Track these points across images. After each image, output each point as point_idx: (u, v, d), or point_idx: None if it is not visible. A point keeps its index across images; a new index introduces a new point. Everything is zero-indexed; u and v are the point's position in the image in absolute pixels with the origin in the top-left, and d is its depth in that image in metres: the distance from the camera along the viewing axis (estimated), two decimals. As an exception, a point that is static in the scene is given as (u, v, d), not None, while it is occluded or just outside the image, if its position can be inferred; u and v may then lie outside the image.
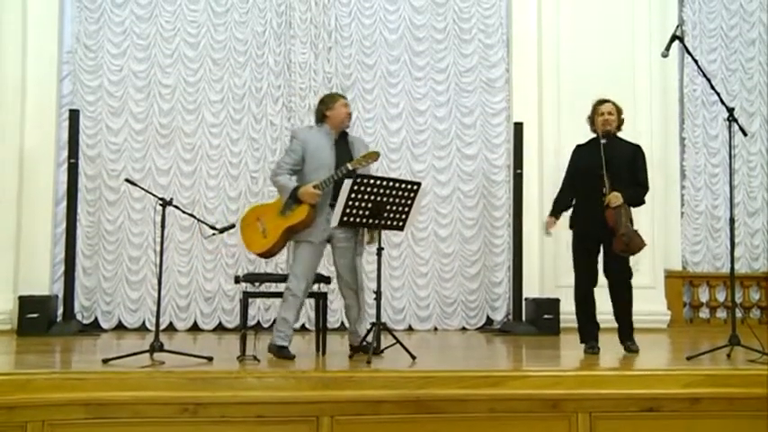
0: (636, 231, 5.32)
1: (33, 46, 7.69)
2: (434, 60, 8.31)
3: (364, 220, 5.09)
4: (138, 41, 7.92)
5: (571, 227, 5.67)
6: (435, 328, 8.04)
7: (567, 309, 7.59)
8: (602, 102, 5.65)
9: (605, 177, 5.30)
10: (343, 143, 5.28)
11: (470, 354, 6.15)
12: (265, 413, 4.09)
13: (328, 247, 5.36)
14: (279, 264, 7.66)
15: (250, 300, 5.35)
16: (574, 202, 5.67)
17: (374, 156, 5.10)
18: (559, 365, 5.33)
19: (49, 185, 7.64)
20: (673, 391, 4.36)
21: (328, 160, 5.14)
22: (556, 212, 5.70)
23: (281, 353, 5.03)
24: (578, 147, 5.77)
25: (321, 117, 5.31)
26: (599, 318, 5.67)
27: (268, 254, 5.33)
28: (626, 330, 5.57)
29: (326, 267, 7.73)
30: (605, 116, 5.55)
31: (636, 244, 5.31)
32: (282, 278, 5.48)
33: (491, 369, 4.59)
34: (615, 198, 5.27)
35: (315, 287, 5.46)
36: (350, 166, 4.99)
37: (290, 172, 5.18)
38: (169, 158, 7.87)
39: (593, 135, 5.68)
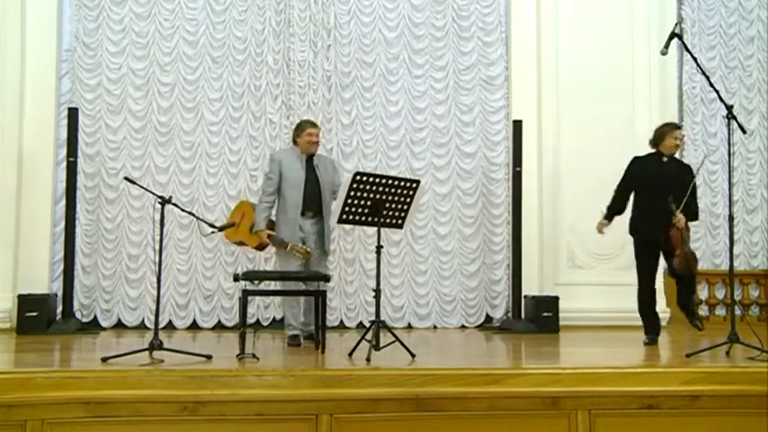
0: (693, 253, 6.10)
1: (32, 44, 7.69)
2: (433, 58, 8.30)
3: (363, 218, 5.13)
4: (136, 40, 7.91)
5: (632, 233, 6.22)
6: (435, 326, 8.04)
7: (566, 306, 7.67)
8: (677, 126, 6.27)
9: (673, 200, 5.86)
10: (311, 164, 6.03)
11: (470, 352, 6.15)
12: (265, 411, 4.09)
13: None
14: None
15: (249, 298, 5.34)
16: (631, 209, 6.25)
17: (305, 255, 5.75)
18: (559, 363, 5.33)
19: (48, 184, 7.64)
20: (672, 388, 4.36)
21: (298, 179, 5.93)
22: (610, 216, 6.33)
23: (289, 341, 5.98)
24: (637, 159, 6.27)
25: (293, 140, 6.16)
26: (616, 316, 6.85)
27: (234, 241, 6.44)
28: (692, 311, 6.27)
29: (326, 266, 7.75)
30: (678, 141, 6.16)
31: (695, 264, 6.06)
32: (281, 276, 5.62)
33: (490, 367, 4.59)
34: (681, 221, 5.88)
35: (314, 285, 5.62)
36: (287, 248, 5.74)
37: (270, 202, 6.00)
38: (168, 156, 7.86)
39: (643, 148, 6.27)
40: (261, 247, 6.14)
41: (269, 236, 5.91)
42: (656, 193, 6.00)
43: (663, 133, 6.16)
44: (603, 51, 8.28)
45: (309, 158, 6.05)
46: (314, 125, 6.17)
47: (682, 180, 6.01)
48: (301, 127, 6.12)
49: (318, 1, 8.09)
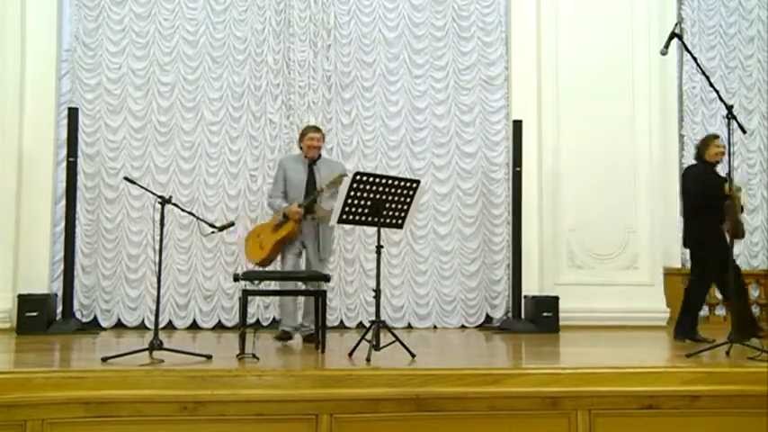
0: (741, 222, 6.12)
1: (32, 44, 7.69)
2: (433, 58, 8.30)
3: (363, 218, 5.13)
4: (136, 39, 7.91)
5: (700, 252, 6.15)
6: (435, 327, 8.04)
7: (566, 306, 7.67)
8: (717, 136, 6.39)
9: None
10: (312, 168, 6.21)
11: (470, 352, 6.15)
12: (265, 411, 4.09)
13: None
14: (277, 262, 7.65)
15: (249, 298, 5.35)
16: (691, 224, 6.23)
17: (339, 179, 5.80)
18: (559, 363, 5.33)
19: (48, 184, 7.64)
20: (672, 388, 4.36)
21: (299, 182, 6.15)
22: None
23: (278, 335, 6.23)
24: (690, 169, 6.32)
25: (299, 146, 6.37)
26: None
27: (264, 262, 6.19)
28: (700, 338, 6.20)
29: (326, 266, 7.74)
30: (721, 149, 6.22)
31: (743, 231, 6.16)
32: (281, 276, 5.67)
33: (490, 367, 4.58)
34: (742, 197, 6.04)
35: (314, 285, 5.71)
36: (323, 186, 5.99)
37: (280, 197, 6.21)
38: (168, 156, 7.86)
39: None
40: (294, 233, 6.06)
41: (299, 205, 6.03)
42: (717, 199, 5.92)
43: (706, 143, 6.25)
44: (603, 51, 8.28)
45: (313, 162, 6.21)
46: (316, 130, 6.33)
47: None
48: (303, 132, 6.34)
49: (318, 1, 8.09)
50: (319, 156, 6.29)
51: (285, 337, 6.19)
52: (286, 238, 6.07)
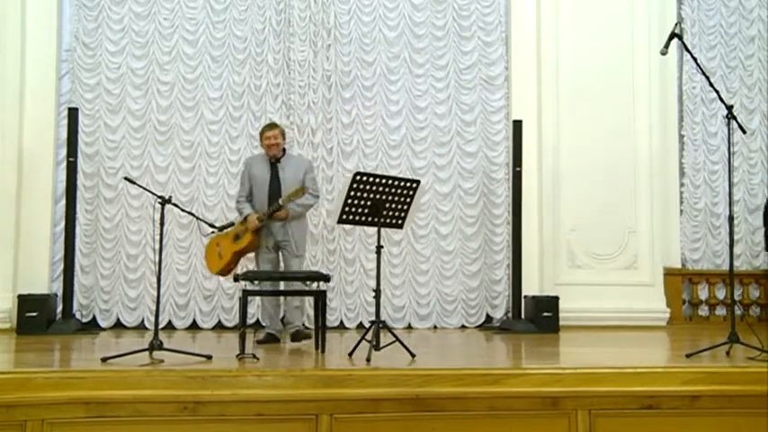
0: None
1: (32, 44, 7.68)
2: (434, 58, 8.29)
3: (363, 218, 5.14)
4: (136, 39, 7.91)
5: None
6: (435, 327, 8.03)
7: (566, 306, 7.68)
8: None
9: None
10: (276, 167, 6.23)
11: (470, 352, 6.15)
12: (265, 411, 4.09)
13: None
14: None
15: (249, 298, 5.35)
16: None
17: (300, 192, 5.94)
18: (559, 363, 5.32)
19: (48, 184, 7.63)
20: (672, 388, 4.36)
21: (263, 181, 6.20)
22: None
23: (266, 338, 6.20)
24: None
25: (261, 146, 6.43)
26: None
27: (223, 272, 6.27)
28: None
29: (326, 266, 7.76)
30: None
31: None
32: (281, 277, 5.67)
33: (490, 367, 4.58)
34: None
35: (314, 285, 5.65)
36: (280, 202, 5.95)
37: (247, 200, 6.26)
38: (168, 156, 7.85)
39: None
40: (253, 245, 6.10)
41: (259, 218, 6.02)
42: None
43: None
44: (603, 51, 8.28)
45: (277, 161, 6.25)
46: (271, 127, 6.35)
47: None
48: (261, 133, 6.39)
49: (318, 1, 8.08)
50: (284, 152, 6.33)
51: (272, 340, 6.18)
52: (245, 250, 6.10)
